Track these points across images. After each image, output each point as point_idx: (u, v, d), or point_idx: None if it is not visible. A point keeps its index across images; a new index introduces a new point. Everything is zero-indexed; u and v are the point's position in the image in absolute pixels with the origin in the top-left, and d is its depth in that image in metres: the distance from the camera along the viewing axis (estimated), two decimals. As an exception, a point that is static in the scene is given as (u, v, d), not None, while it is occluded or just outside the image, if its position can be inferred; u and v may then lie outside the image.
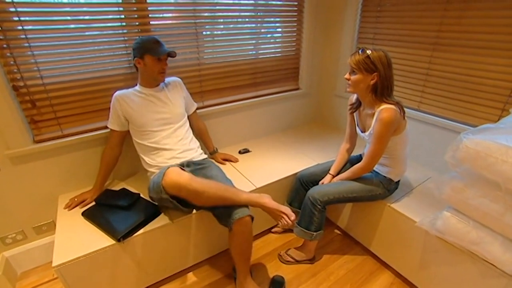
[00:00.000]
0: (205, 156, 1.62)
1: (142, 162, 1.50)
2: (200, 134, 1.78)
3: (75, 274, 1.19)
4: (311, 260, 1.64)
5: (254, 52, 1.96)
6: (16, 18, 1.24)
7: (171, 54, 1.40)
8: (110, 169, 1.52)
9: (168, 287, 1.50)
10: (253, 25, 1.89)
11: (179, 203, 1.28)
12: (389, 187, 1.46)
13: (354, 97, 1.47)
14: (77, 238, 1.26)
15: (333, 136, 2.26)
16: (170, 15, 1.60)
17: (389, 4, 1.81)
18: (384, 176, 1.45)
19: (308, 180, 1.64)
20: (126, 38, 1.49)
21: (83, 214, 1.37)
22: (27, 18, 1.26)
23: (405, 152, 1.42)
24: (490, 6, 1.39)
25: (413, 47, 1.73)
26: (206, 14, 1.69)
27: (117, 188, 1.54)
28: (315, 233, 1.48)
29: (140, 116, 1.43)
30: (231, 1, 1.74)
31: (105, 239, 1.25)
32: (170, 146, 1.47)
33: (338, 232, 1.87)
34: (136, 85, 1.48)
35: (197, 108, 1.74)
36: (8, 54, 1.26)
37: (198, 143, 1.63)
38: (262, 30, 1.95)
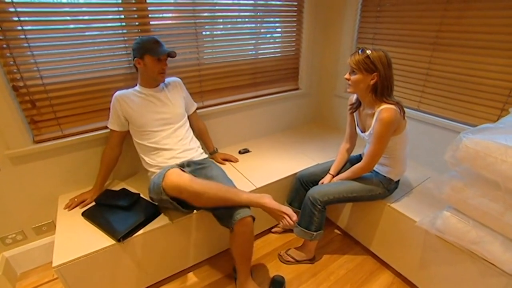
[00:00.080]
0: (206, 155, 1.62)
1: (142, 162, 1.50)
2: (200, 134, 1.78)
3: (75, 274, 1.19)
4: (311, 260, 1.64)
5: (253, 52, 1.96)
6: (16, 18, 1.24)
7: (171, 54, 1.39)
8: (110, 169, 1.52)
9: (168, 287, 1.50)
10: (253, 25, 1.89)
11: (179, 204, 1.28)
12: (389, 187, 1.46)
13: (354, 97, 1.47)
14: (77, 238, 1.26)
15: (333, 136, 2.26)
16: (169, 15, 1.60)
17: (389, 4, 1.82)
18: (384, 176, 1.45)
19: (308, 180, 1.64)
20: (126, 38, 1.49)
21: (83, 214, 1.37)
22: (26, 18, 1.26)
23: (405, 152, 1.42)
24: (489, 6, 1.39)
25: (413, 47, 1.73)
26: (205, 14, 1.69)
27: (117, 188, 1.54)
28: (315, 233, 1.48)
29: (140, 116, 1.43)
30: (231, 1, 1.74)
31: (105, 239, 1.25)
32: (170, 146, 1.47)
33: (338, 232, 1.87)
34: (136, 85, 1.48)
35: (197, 108, 1.74)
36: (8, 54, 1.26)
37: (198, 143, 1.63)
38: (262, 30, 1.95)
